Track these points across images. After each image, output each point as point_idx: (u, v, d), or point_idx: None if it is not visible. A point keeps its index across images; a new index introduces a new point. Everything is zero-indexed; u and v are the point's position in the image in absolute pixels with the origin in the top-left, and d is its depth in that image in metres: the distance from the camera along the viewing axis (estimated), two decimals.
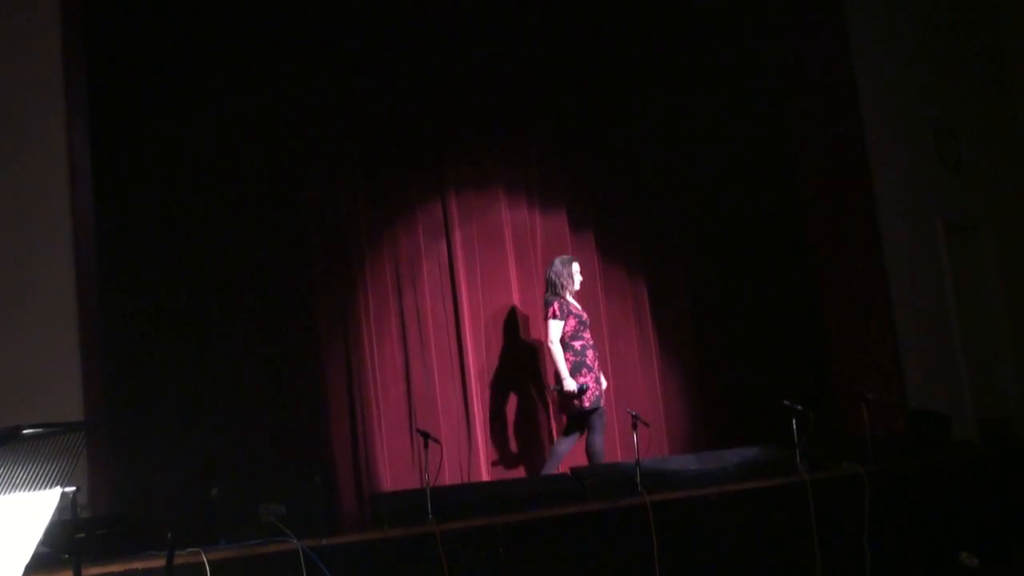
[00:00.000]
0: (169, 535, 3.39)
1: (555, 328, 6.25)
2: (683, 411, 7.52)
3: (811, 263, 8.21)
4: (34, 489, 2.67)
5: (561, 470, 6.06)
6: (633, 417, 5.20)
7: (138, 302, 5.58)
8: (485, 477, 6.48)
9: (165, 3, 5.92)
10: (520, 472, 6.65)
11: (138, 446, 5.31)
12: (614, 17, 7.58)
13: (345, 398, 6.17)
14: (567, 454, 6.29)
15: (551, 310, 6.28)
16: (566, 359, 6.21)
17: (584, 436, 6.28)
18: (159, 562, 3.58)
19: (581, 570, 4.70)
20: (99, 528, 3.90)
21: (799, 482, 5.33)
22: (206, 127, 5.94)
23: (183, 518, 4.91)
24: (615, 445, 6.79)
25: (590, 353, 6.29)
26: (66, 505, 2.74)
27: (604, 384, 6.41)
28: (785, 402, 5.50)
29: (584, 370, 6.20)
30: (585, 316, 6.39)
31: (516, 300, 6.92)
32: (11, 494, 2.67)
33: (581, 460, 6.17)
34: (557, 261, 6.46)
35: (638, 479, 4.99)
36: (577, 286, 6.44)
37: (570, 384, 6.13)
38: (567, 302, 6.34)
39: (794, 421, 5.45)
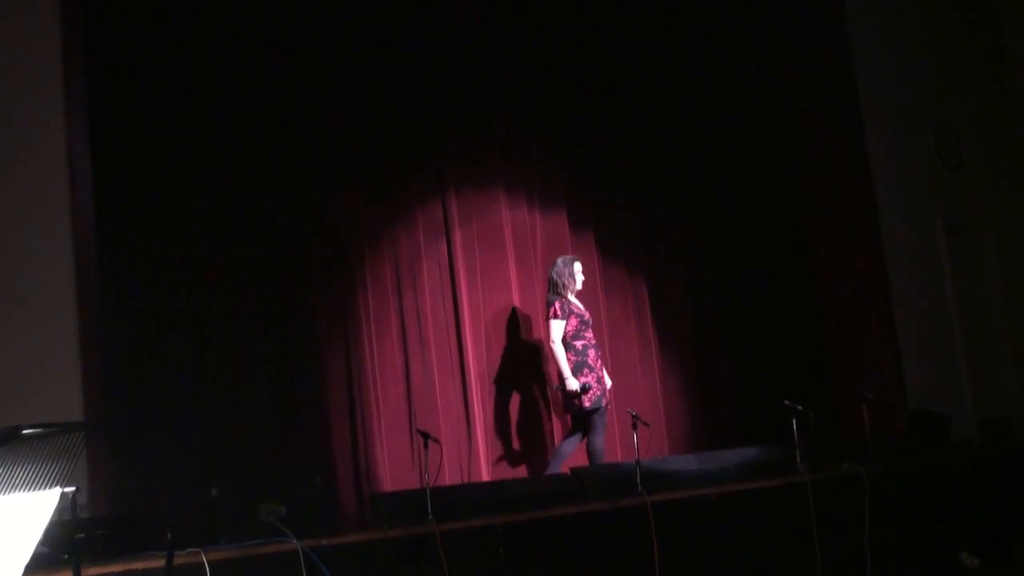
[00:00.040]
0: (169, 535, 3.40)
1: (556, 328, 6.25)
2: (683, 411, 7.52)
3: (811, 263, 8.20)
4: (34, 489, 2.67)
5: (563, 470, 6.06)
6: (633, 417, 5.20)
7: (138, 302, 5.59)
8: (485, 477, 6.48)
9: (165, 3, 5.92)
10: (520, 472, 6.65)
11: (138, 446, 5.32)
12: (614, 17, 7.58)
13: (345, 398, 6.18)
14: (572, 454, 6.29)
15: (552, 310, 6.29)
16: (568, 359, 6.21)
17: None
18: (159, 562, 3.58)
19: (581, 570, 4.69)
20: (99, 528, 3.90)
21: (799, 482, 5.33)
22: (206, 127, 5.95)
23: (183, 518, 4.90)
24: (615, 445, 6.79)
25: (592, 352, 6.29)
26: (66, 505, 2.74)
27: (609, 383, 6.41)
28: (785, 402, 5.50)
29: (585, 370, 6.20)
30: (587, 316, 6.39)
31: (516, 300, 6.92)
32: (11, 494, 2.67)
33: (582, 460, 6.18)
34: (559, 261, 6.47)
35: (638, 479, 4.98)
36: (579, 286, 6.44)
37: (572, 383, 6.13)
38: (569, 302, 6.34)
39: (794, 421, 5.45)
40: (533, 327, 6.92)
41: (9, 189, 4.88)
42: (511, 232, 7.02)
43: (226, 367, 5.79)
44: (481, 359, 6.70)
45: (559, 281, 6.37)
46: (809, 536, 5.22)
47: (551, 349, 6.33)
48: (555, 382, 6.46)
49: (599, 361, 6.37)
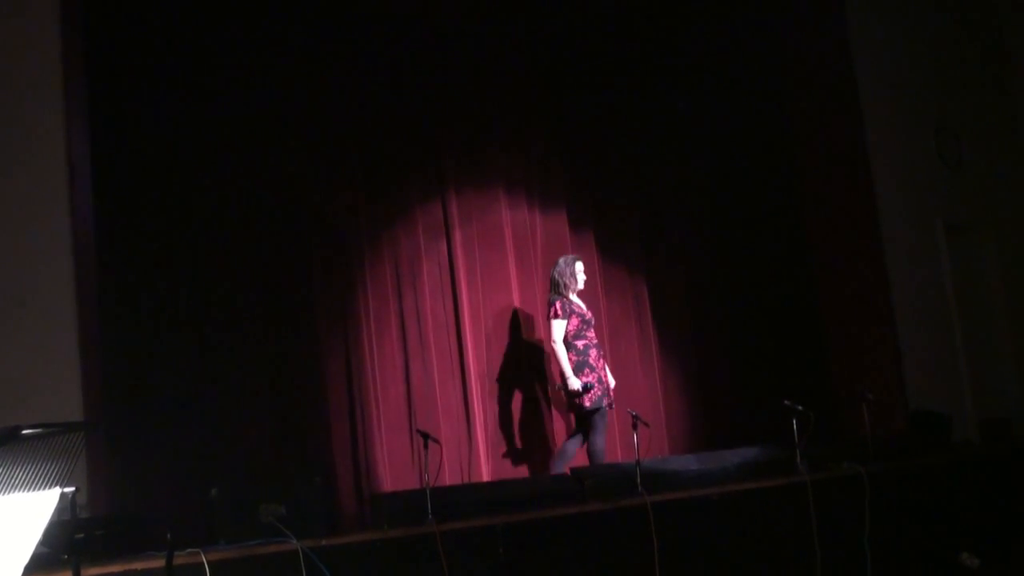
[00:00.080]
0: (168, 535, 3.40)
1: (558, 327, 6.25)
2: (683, 411, 7.52)
3: (811, 263, 8.20)
4: (33, 489, 2.68)
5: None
6: (633, 417, 5.20)
7: (138, 302, 5.59)
8: (485, 477, 6.48)
9: (165, 3, 5.92)
10: (521, 472, 6.65)
11: (138, 446, 5.32)
12: (614, 17, 7.58)
13: (345, 398, 6.18)
14: (576, 454, 6.29)
15: (553, 309, 6.29)
16: (569, 358, 6.21)
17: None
18: (159, 562, 3.58)
19: (581, 570, 4.69)
20: (98, 528, 3.91)
21: (799, 482, 5.33)
22: (206, 127, 5.95)
23: (183, 518, 4.90)
24: (615, 445, 6.78)
25: (593, 352, 6.29)
26: (65, 505, 2.74)
27: (612, 383, 6.40)
28: (785, 402, 5.49)
29: (587, 369, 6.20)
30: (589, 315, 6.39)
31: (516, 300, 6.92)
32: (11, 494, 2.67)
33: (582, 460, 6.18)
34: (561, 260, 6.47)
35: (638, 479, 4.98)
36: (581, 285, 6.44)
37: (574, 383, 6.13)
38: (570, 301, 6.34)
39: (794, 421, 5.45)
40: (533, 327, 6.92)
41: (9, 189, 4.88)
42: (511, 232, 7.01)
43: (226, 367, 5.79)
44: (481, 359, 6.69)
45: (560, 281, 6.37)
46: (809, 536, 5.21)
47: (552, 349, 6.33)
48: (557, 382, 6.47)
49: (601, 360, 6.36)
